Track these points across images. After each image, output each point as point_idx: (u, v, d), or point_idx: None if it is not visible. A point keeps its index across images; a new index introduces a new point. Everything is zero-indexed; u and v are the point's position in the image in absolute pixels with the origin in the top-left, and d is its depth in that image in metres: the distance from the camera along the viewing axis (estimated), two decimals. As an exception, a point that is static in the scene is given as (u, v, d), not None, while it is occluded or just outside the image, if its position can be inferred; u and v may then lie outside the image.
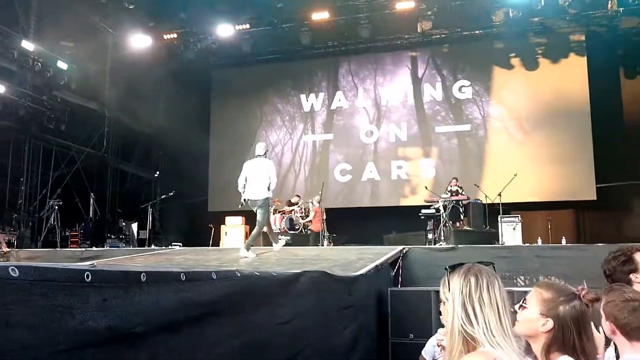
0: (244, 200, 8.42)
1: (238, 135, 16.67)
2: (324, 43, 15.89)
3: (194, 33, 15.47)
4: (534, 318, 1.87)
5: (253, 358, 3.07)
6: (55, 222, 12.73)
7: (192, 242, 12.65)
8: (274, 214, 12.34)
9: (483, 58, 15.41)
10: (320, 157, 16.36)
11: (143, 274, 2.10)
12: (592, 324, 1.93)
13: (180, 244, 12.51)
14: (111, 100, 15.61)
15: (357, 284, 5.81)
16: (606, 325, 2.35)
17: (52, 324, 1.64)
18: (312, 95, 16.61)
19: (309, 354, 3.94)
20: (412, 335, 6.34)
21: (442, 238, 10.78)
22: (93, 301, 1.81)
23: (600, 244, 9.04)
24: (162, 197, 14.49)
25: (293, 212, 13.14)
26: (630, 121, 14.24)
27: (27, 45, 12.85)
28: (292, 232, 12.66)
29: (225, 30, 14.87)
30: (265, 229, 8.81)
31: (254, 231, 8.57)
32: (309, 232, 12.91)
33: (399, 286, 7.62)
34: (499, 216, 11.22)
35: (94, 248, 11.83)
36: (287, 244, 9.91)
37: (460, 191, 12.20)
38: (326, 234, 12.69)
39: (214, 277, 2.71)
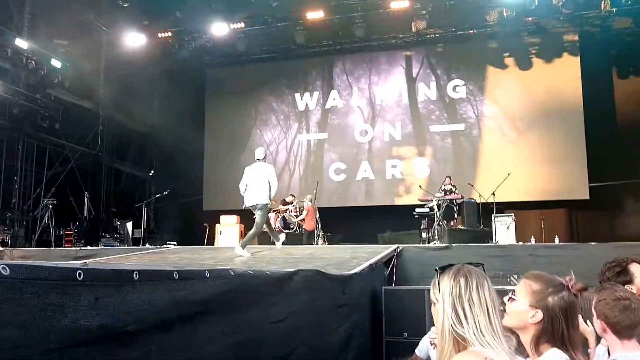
0: (245, 206, 8.59)
1: (233, 134, 16.68)
2: (319, 42, 15.90)
3: (188, 32, 15.43)
4: (523, 310, 1.86)
5: (247, 357, 3.06)
6: (50, 221, 12.68)
7: (186, 241, 12.63)
8: (268, 212, 12.33)
9: (477, 57, 15.46)
10: (314, 156, 16.37)
11: (135, 272, 2.09)
12: (580, 315, 1.94)
13: (175, 243, 12.51)
14: (105, 98, 15.57)
15: (351, 282, 5.81)
16: (597, 323, 2.37)
17: (44, 322, 1.64)
18: (307, 94, 16.61)
19: (302, 353, 3.93)
20: (406, 334, 6.34)
21: (436, 237, 10.81)
22: (85, 300, 1.80)
23: (593, 243, 9.10)
24: (157, 196, 14.47)
25: (287, 211, 13.15)
26: (623, 121, 14.32)
27: (21, 43, 12.78)
28: (286, 230, 12.66)
29: (219, 29, 14.85)
30: (265, 229, 8.87)
31: (252, 231, 8.60)
32: (302, 230, 12.92)
33: (393, 285, 7.63)
34: (493, 215, 11.25)
35: (89, 247, 11.80)
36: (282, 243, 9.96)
37: (453, 190, 12.25)
38: (320, 232, 12.70)
39: (208, 276, 2.70)
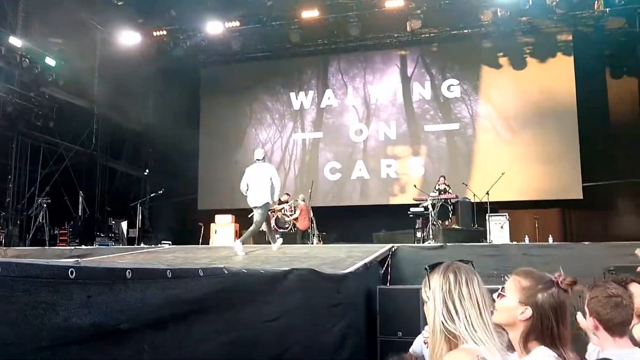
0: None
1: (228, 133, 16.65)
2: (314, 41, 15.89)
3: (183, 30, 15.40)
4: (512, 306, 1.84)
5: (240, 355, 3.06)
6: (44, 221, 12.63)
7: (181, 241, 12.62)
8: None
9: (471, 57, 15.48)
10: (309, 155, 16.36)
11: (128, 270, 2.08)
12: (579, 312, 1.92)
13: (170, 242, 12.48)
14: (100, 97, 15.50)
15: (346, 281, 5.81)
16: (589, 320, 2.38)
17: (35, 320, 1.62)
18: (302, 94, 16.60)
19: (296, 352, 3.93)
20: (401, 333, 6.36)
21: (431, 236, 10.83)
22: (77, 298, 1.79)
23: (586, 243, 9.16)
24: (152, 195, 14.43)
25: (282, 210, 13.14)
26: (616, 121, 14.39)
27: (15, 41, 12.74)
28: (281, 230, 12.66)
29: (214, 27, 14.82)
30: (264, 228, 8.87)
31: (251, 228, 8.62)
32: (296, 230, 12.93)
33: (388, 284, 7.64)
34: (487, 215, 11.29)
35: (83, 246, 11.75)
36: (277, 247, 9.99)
37: (447, 189, 12.27)
38: (315, 232, 12.70)
39: (201, 274, 2.69)
